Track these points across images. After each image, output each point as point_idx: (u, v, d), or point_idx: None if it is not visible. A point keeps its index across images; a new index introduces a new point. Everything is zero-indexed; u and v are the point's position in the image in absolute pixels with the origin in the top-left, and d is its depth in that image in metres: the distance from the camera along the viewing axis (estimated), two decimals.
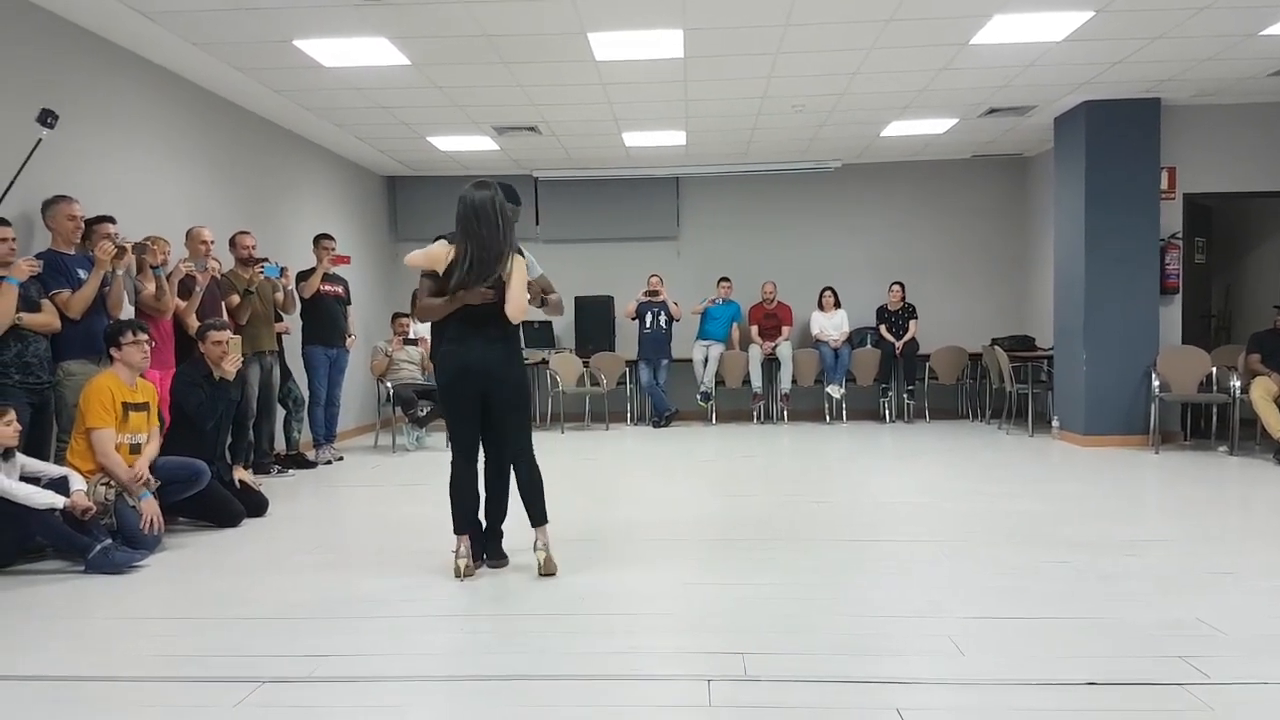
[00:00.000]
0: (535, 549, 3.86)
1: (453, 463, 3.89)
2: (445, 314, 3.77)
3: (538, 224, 10.40)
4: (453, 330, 3.82)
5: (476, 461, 3.93)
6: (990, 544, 4.33)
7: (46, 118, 4.69)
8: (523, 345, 4.04)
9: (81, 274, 4.72)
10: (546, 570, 3.83)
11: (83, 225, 4.90)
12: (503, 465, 4.04)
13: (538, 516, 3.88)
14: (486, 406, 3.84)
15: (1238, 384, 7.14)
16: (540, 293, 4.05)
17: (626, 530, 4.70)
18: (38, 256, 4.63)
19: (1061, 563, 3.96)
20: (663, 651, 2.98)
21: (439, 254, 3.75)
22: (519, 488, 3.90)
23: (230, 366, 5.13)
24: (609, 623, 3.28)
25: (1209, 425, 7.94)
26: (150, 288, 5.35)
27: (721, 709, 2.51)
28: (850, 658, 2.87)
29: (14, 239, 4.41)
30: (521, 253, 3.91)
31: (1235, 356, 7.53)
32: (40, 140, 4.70)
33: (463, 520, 3.88)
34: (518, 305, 3.75)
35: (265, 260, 6.59)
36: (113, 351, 4.60)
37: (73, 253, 4.83)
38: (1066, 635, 3.05)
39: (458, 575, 3.83)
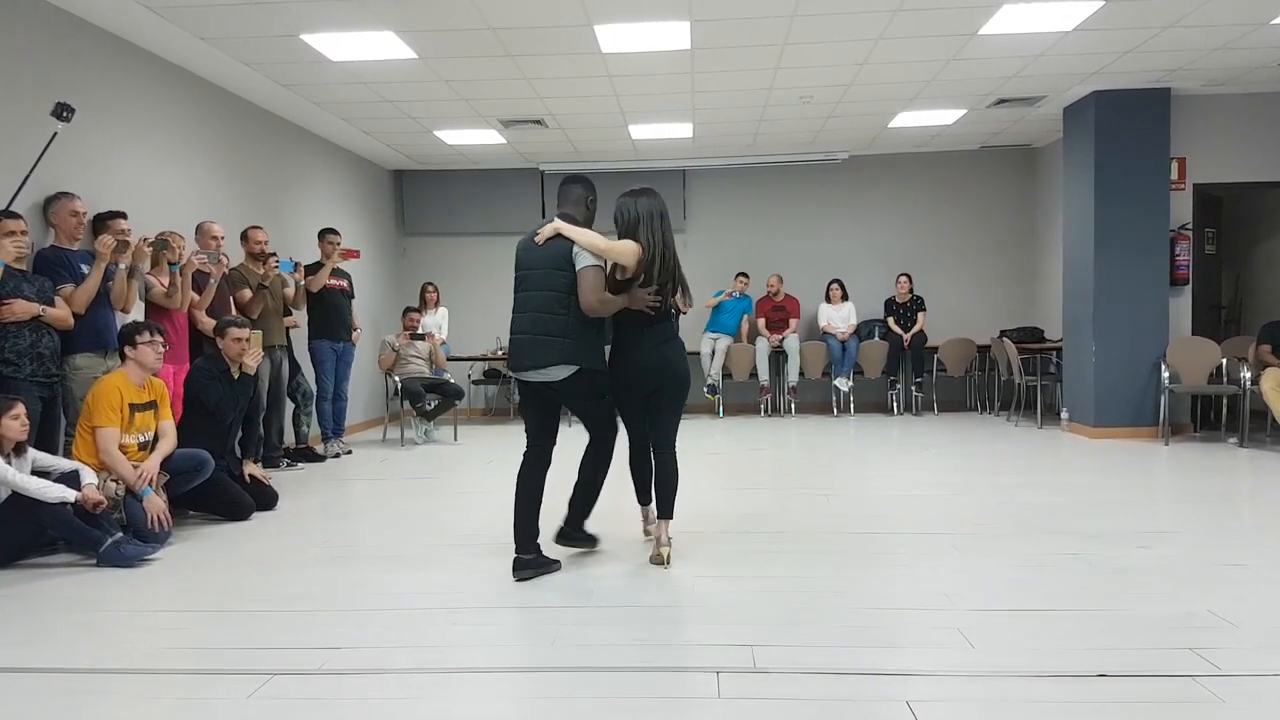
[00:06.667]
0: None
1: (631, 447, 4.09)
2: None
3: (545, 217, 10.33)
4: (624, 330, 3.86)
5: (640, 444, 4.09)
6: (1000, 536, 4.32)
7: (62, 111, 4.69)
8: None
9: (84, 269, 4.76)
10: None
11: (85, 221, 4.94)
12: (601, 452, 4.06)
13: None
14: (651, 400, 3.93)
15: (1248, 375, 7.10)
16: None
17: (634, 523, 4.71)
18: (41, 253, 4.67)
19: (1072, 555, 3.95)
20: (671, 643, 2.98)
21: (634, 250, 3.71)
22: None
23: (252, 361, 5.17)
24: (618, 615, 3.29)
25: (1219, 417, 7.91)
26: (164, 283, 5.37)
27: (730, 701, 2.51)
28: (859, 650, 2.87)
29: (24, 232, 4.43)
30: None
31: (1245, 347, 7.49)
32: (55, 134, 4.71)
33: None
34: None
35: (274, 255, 6.61)
36: (126, 350, 4.60)
37: (75, 248, 4.86)
38: (1077, 627, 3.04)
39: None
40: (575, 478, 4.06)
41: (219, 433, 5.10)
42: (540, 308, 3.69)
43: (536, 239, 3.77)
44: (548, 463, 3.92)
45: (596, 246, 3.65)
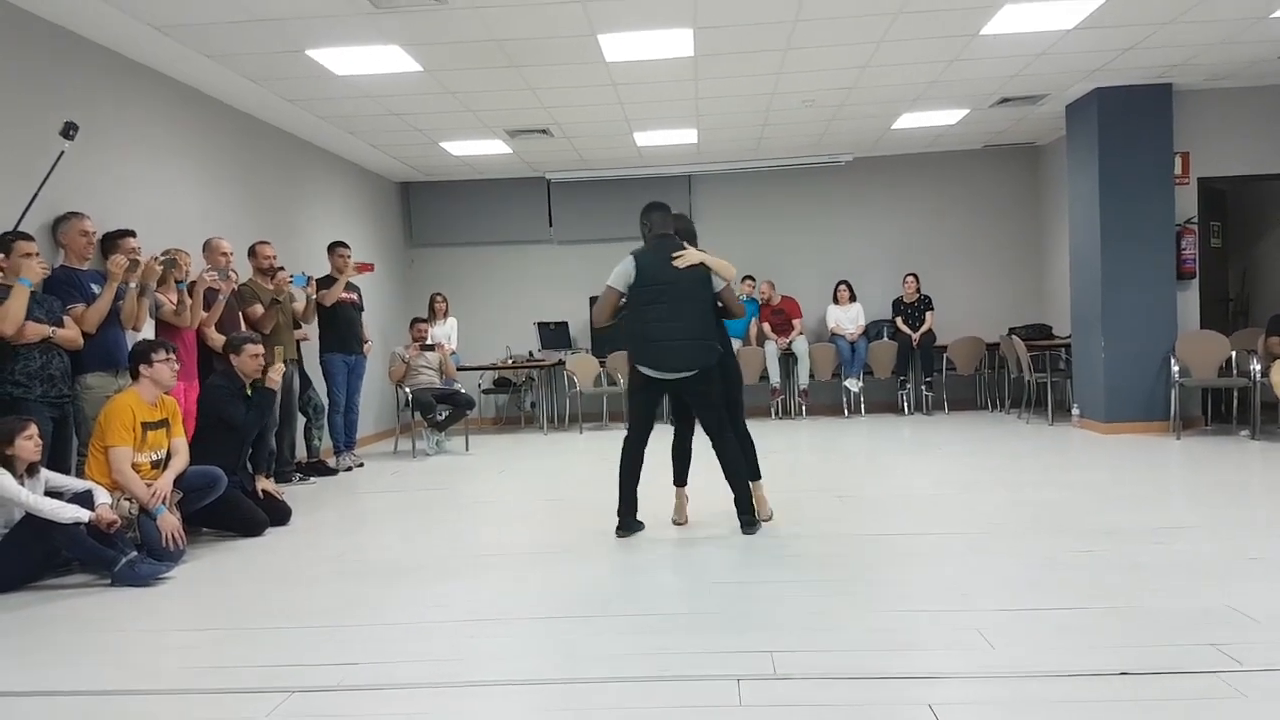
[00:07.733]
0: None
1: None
2: None
3: (551, 226, 10.43)
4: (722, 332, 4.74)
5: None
6: (1015, 535, 4.30)
7: (68, 130, 4.76)
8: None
9: (95, 288, 4.77)
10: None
11: (95, 241, 4.95)
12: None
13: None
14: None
15: (1258, 367, 7.08)
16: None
17: (650, 529, 4.70)
18: (52, 273, 4.69)
19: (1088, 552, 3.93)
20: (691, 651, 2.97)
21: None
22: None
23: (276, 375, 5.19)
24: (636, 623, 3.28)
25: (1230, 410, 7.87)
26: (173, 301, 5.38)
27: (752, 708, 2.50)
28: (879, 654, 2.86)
29: (37, 253, 4.44)
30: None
31: (1254, 340, 7.45)
32: (62, 153, 4.74)
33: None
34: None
35: (282, 269, 6.63)
36: (141, 368, 4.59)
37: (85, 268, 4.88)
38: (1096, 625, 3.03)
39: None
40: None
41: (234, 449, 5.11)
42: (693, 316, 4.47)
43: (676, 262, 4.46)
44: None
45: (727, 272, 4.58)
